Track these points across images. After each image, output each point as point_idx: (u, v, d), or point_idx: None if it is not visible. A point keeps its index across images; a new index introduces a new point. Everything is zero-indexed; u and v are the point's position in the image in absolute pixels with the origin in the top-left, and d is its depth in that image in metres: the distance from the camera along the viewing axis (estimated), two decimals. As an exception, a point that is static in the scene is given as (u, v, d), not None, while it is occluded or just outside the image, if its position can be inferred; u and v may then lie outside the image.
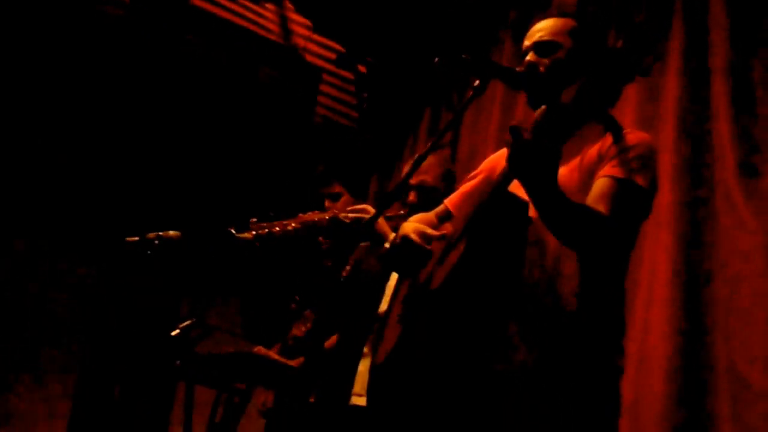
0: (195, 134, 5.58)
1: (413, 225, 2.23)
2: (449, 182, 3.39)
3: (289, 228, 3.21)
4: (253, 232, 3.19)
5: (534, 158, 1.78)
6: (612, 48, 1.81)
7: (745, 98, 3.37)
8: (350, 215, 3.04)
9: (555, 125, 1.76)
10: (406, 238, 2.18)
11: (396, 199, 3.35)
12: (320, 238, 3.43)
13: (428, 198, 3.25)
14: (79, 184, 5.23)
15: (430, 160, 3.33)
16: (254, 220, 3.25)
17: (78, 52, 5.19)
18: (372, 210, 2.97)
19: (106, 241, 4.75)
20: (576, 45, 2.24)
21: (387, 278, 3.15)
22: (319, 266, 3.75)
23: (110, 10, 5.41)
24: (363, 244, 3.39)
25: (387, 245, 2.45)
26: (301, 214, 3.27)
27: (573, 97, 1.78)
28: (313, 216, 3.23)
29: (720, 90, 3.41)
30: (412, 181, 3.32)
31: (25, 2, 5.05)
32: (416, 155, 2.25)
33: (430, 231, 2.18)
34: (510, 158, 1.81)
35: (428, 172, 3.33)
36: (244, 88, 5.83)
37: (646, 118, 3.65)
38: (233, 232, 3.16)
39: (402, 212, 3.33)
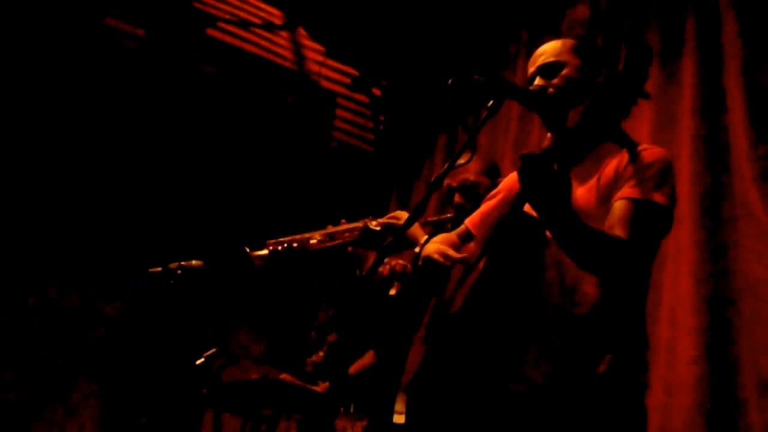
0: (213, 162, 5.62)
1: (435, 246, 2.24)
2: (493, 176, 3.31)
3: (312, 241, 3.16)
4: (269, 249, 3.15)
5: (545, 186, 1.78)
6: (615, 71, 1.82)
7: (761, 112, 3.36)
8: (381, 221, 3.04)
9: (564, 151, 1.77)
10: (427, 259, 2.19)
11: (422, 211, 3.33)
12: (349, 248, 3.36)
13: (473, 195, 3.19)
14: (102, 214, 5.28)
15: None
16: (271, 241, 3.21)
17: (96, 87, 5.25)
18: (404, 214, 2.97)
19: (129, 273, 4.78)
20: (583, 62, 2.25)
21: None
22: (351, 278, 3.69)
23: (127, 43, 5.48)
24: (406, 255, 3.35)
25: (417, 249, 2.45)
26: (330, 226, 3.24)
27: (579, 120, 1.79)
28: (343, 226, 3.21)
29: (735, 104, 3.42)
30: (454, 183, 3.28)
31: (43, 36, 5.12)
32: (434, 175, 2.24)
33: (451, 252, 2.18)
34: (522, 187, 1.82)
35: (468, 170, 3.24)
36: (261, 115, 5.88)
37: (662, 133, 3.65)
38: (247, 250, 3.13)
39: (449, 215, 3.32)
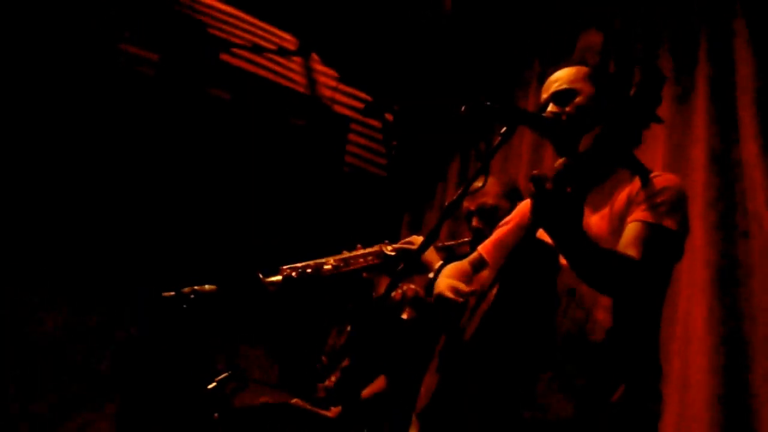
0: (227, 186, 5.64)
1: (447, 281, 2.24)
2: (513, 200, 3.27)
3: (327, 266, 3.15)
4: (283, 275, 3.13)
5: (556, 207, 1.78)
6: (627, 96, 1.82)
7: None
8: (396, 246, 3.03)
9: (577, 173, 1.77)
10: (440, 296, 2.19)
11: (435, 237, 3.32)
12: (364, 274, 3.34)
13: (491, 218, 3.15)
14: (114, 239, 5.30)
15: (489, 181, 3.28)
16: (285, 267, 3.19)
17: (111, 111, 5.29)
18: (419, 239, 2.96)
19: (142, 297, 4.79)
20: (597, 90, 2.26)
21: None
22: (364, 302, 3.66)
23: (142, 68, 5.53)
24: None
25: (431, 275, 2.45)
26: (345, 251, 3.23)
27: (591, 144, 1.79)
28: (358, 251, 3.20)
29: (748, 129, 3.41)
30: (472, 206, 3.27)
31: (58, 60, 5.17)
32: (447, 201, 2.25)
33: (462, 286, 2.19)
34: (533, 208, 1.82)
35: (487, 194, 3.24)
36: (274, 139, 5.90)
37: (675, 158, 3.65)
38: (260, 276, 3.13)
39: (465, 239, 3.30)
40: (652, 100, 1.82)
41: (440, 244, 3.26)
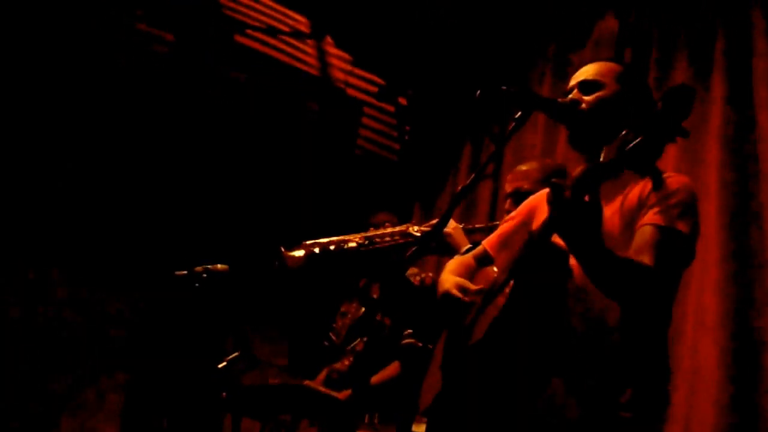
0: (239, 168, 5.65)
1: (454, 279, 2.24)
2: None
3: (351, 244, 3.11)
4: (305, 250, 3.08)
5: (575, 216, 1.77)
6: (654, 110, 1.81)
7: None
8: (422, 227, 3.01)
9: (596, 181, 1.76)
10: (446, 294, 2.20)
11: (447, 221, 3.27)
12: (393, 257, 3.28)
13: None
14: (129, 217, 5.32)
15: (532, 165, 3.24)
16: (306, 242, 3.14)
17: (126, 90, 5.31)
18: (452, 222, 2.92)
19: (154, 275, 4.82)
20: (621, 89, 2.25)
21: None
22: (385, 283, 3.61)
23: (157, 48, 5.53)
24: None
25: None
26: (372, 228, 3.19)
27: (614, 156, 1.78)
28: (384, 230, 3.16)
29: (765, 126, 3.39)
30: (508, 188, 3.20)
31: (75, 40, 5.18)
32: (460, 187, 2.24)
33: (469, 285, 2.19)
34: (551, 216, 1.81)
35: (526, 178, 3.14)
36: (287, 122, 5.90)
37: (690, 151, 3.63)
38: (282, 249, 3.09)
39: (497, 222, 3.27)
40: (680, 114, 1.81)
41: (470, 226, 3.20)
